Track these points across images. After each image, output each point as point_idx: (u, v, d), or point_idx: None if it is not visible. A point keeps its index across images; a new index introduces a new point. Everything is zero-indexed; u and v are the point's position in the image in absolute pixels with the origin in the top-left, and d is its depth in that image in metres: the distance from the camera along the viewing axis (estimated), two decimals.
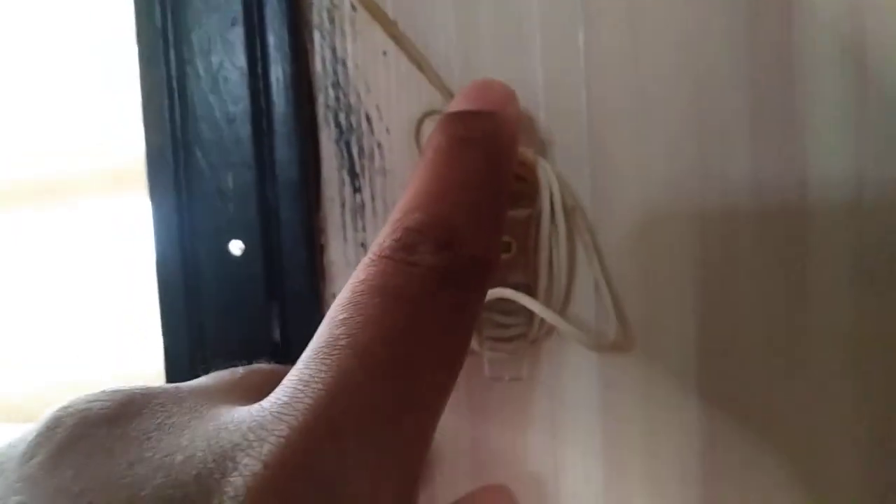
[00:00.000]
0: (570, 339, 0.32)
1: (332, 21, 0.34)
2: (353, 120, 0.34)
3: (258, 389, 0.21)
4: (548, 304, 0.32)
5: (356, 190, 0.34)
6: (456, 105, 0.26)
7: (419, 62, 0.33)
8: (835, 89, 0.33)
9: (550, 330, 0.33)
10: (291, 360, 0.34)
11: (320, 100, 0.34)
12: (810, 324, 0.33)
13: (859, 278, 0.33)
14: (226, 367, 0.33)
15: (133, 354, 0.42)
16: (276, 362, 0.34)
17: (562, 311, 0.33)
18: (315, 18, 0.34)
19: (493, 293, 0.31)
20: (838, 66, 0.33)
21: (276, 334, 0.34)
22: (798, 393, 0.33)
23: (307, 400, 0.18)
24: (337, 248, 0.34)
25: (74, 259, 0.43)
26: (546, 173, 0.32)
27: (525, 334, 0.32)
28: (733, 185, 0.33)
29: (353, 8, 0.33)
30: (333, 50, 0.34)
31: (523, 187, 0.32)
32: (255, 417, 0.18)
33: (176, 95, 0.34)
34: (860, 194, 0.33)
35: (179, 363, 0.35)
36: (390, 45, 0.33)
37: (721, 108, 0.33)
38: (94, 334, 0.43)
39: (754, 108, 0.33)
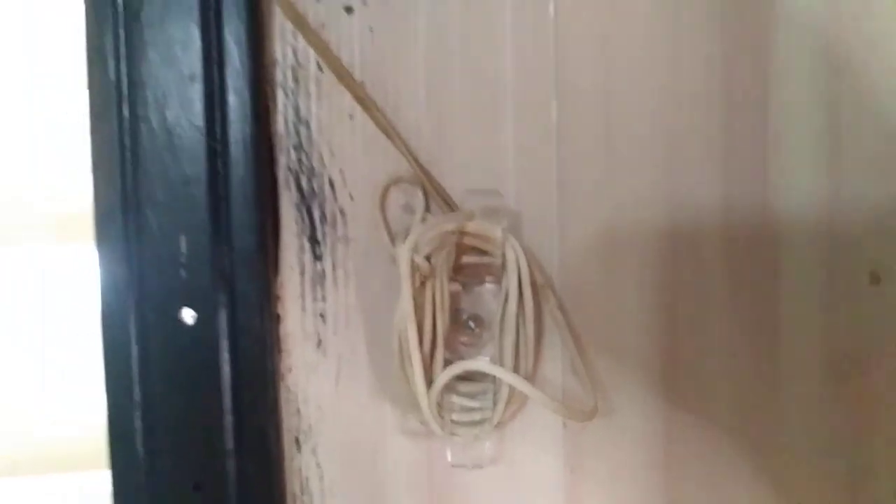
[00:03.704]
0: (544, 406, 0.30)
1: (296, 80, 0.32)
2: (316, 184, 0.32)
3: None
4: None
5: (317, 257, 0.32)
6: None
7: (385, 127, 0.32)
8: (810, 112, 0.33)
9: (514, 413, 0.32)
10: (242, 436, 0.33)
11: (281, 162, 0.32)
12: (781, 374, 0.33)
13: (832, 302, 0.33)
14: (173, 439, 0.31)
15: (73, 410, 0.40)
16: (226, 439, 0.32)
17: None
18: (279, 77, 0.32)
19: (461, 366, 0.30)
20: (816, 88, 0.33)
21: (228, 407, 0.32)
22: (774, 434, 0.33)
23: None
24: (294, 319, 0.32)
25: (15, 306, 0.40)
26: (514, 251, 0.30)
27: (489, 419, 0.31)
28: (705, 247, 0.33)
29: (320, 68, 0.32)
30: (297, 110, 0.32)
31: (491, 262, 0.31)
32: None
33: (128, 152, 0.32)
34: (833, 217, 0.33)
35: (124, 427, 0.33)
36: (357, 108, 0.32)
37: (693, 181, 0.32)
38: (32, 387, 0.41)
39: (727, 157, 0.33)
